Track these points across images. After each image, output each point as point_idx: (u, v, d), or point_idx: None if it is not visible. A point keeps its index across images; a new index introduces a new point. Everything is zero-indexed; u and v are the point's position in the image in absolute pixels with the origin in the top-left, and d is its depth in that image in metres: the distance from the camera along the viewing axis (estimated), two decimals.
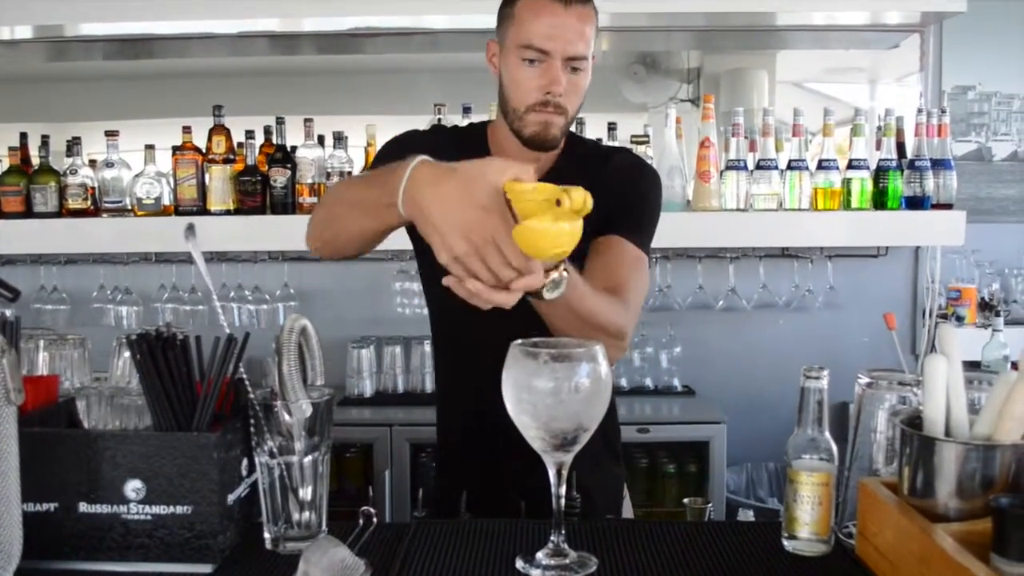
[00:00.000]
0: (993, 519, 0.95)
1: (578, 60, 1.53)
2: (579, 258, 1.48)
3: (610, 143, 2.92)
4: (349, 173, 2.97)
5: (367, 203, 1.28)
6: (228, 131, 2.98)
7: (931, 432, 1.08)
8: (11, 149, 3.11)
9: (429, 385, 3.25)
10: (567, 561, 1.19)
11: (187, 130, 2.98)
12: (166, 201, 3.03)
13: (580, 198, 1.03)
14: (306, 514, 1.26)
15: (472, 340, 1.50)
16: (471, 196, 1.10)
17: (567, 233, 1.06)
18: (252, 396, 1.24)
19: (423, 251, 1.63)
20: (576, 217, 1.05)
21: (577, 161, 1.67)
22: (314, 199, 2.95)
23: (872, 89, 3.45)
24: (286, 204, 2.96)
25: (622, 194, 1.62)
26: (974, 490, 1.03)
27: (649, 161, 2.89)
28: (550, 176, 1.63)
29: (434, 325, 1.79)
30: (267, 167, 2.97)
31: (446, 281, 1.15)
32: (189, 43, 3.28)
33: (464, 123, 2.94)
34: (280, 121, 2.98)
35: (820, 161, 2.92)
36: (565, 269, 1.24)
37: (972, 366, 1.13)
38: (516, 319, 1.34)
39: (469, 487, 1.61)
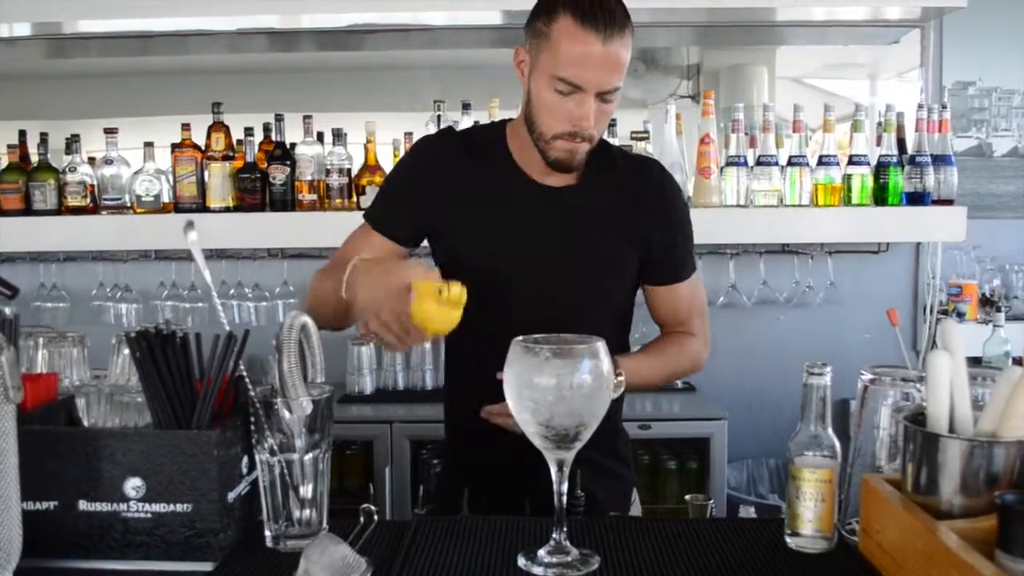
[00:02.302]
0: (998, 516, 0.94)
1: (612, 92, 1.52)
2: (625, 293, 1.72)
3: (610, 140, 2.91)
4: (349, 171, 2.96)
5: (326, 294, 1.57)
6: (227, 128, 2.97)
7: (935, 428, 1.08)
8: (10, 147, 3.10)
9: (430, 382, 3.25)
10: (569, 558, 1.18)
11: (186, 127, 2.98)
12: (165, 198, 3.02)
13: (457, 293, 1.35)
14: (307, 512, 1.26)
15: (484, 339, 1.50)
16: (385, 286, 1.39)
17: (448, 316, 1.36)
18: (252, 393, 1.23)
19: (438, 256, 1.72)
20: (456, 306, 1.36)
21: (608, 177, 1.68)
22: (313, 196, 2.95)
23: (872, 85, 3.44)
24: (285, 201, 2.96)
25: (671, 242, 1.72)
26: (978, 487, 1.03)
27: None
28: (580, 184, 1.67)
29: (451, 341, 1.79)
30: (266, 164, 2.97)
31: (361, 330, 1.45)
32: (188, 40, 3.27)
33: (464, 120, 2.95)
34: (279, 118, 2.98)
35: (820, 157, 2.92)
36: (619, 373, 1.52)
37: (973, 362, 1.12)
38: (531, 317, 1.43)
39: (477, 484, 1.62)
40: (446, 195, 1.67)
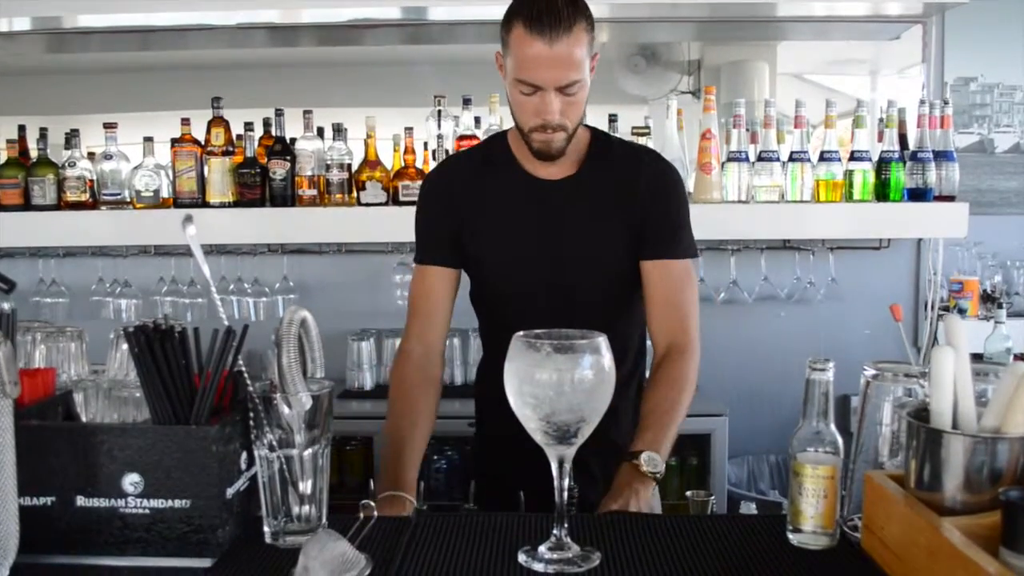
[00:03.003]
0: (1003, 512, 0.94)
1: (571, 86, 1.62)
2: (630, 276, 1.78)
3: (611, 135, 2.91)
4: (349, 166, 2.95)
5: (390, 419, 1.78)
6: (227, 123, 2.96)
7: (938, 424, 1.07)
8: (9, 142, 3.10)
9: None
10: (569, 555, 1.18)
11: (186, 122, 2.97)
12: (165, 194, 3.01)
13: None
14: (306, 508, 1.25)
15: (509, 333, 1.53)
16: None
17: None
18: (251, 389, 1.23)
19: (468, 266, 1.83)
20: None
21: (605, 165, 1.79)
22: (313, 191, 2.94)
23: (874, 81, 3.43)
24: (285, 196, 2.95)
25: (663, 216, 1.78)
26: (982, 483, 1.02)
27: None
28: (579, 174, 1.78)
29: (482, 323, 1.91)
30: (266, 159, 2.96)
31: None
32: (187, 35, 3.26)
33: (464, 115, 2.95)
34: (279, 113, 2.97)
35: (822, 153, 2.90)
36: (656, 474, 1.54)
37: (974, 358, 1.11)
38: (550, 307, 1.57)
39: (516, 483, 1.65)
40: (465, 205, 1.80)
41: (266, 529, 1.26)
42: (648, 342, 1.91)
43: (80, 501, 1.18)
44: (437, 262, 1.81)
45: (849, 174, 2.90)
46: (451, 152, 2.88)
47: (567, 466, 1.20)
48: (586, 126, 1.80)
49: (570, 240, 1.75)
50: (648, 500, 1.54)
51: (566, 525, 1.20)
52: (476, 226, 1.79)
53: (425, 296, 1.82)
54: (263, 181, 2.96)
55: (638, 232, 1.76)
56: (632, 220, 1.76)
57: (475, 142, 2.65)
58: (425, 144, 3.03)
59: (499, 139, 1.86)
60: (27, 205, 3.00)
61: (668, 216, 1.79)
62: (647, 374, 1.87)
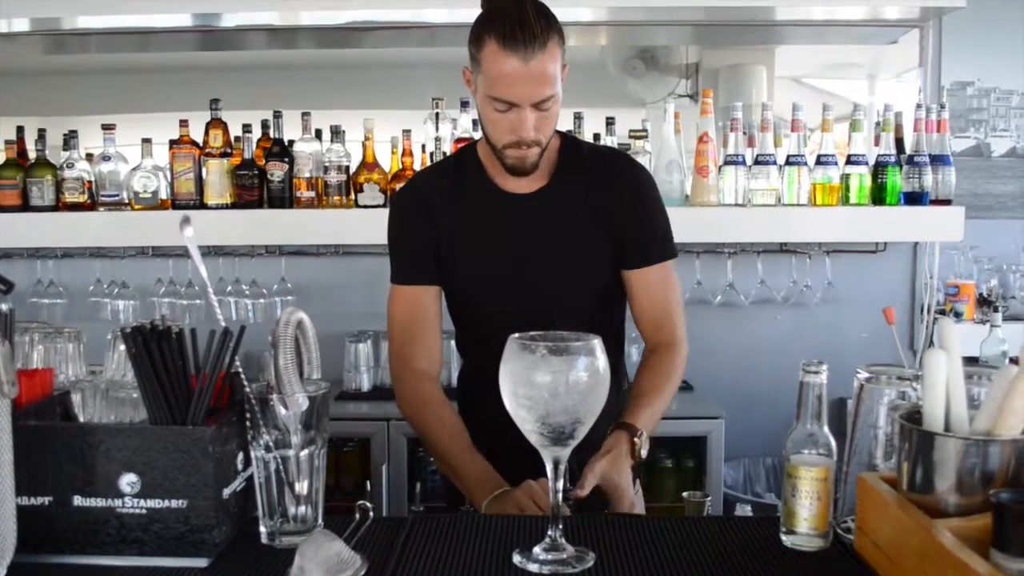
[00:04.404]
0: (994, 514, 0.94)
1: (546, 101, 1.60)
2: (607, 284, 1.79)
3: (608, 139, 2.92)
4: (347, 168, 2.96)
5: (434, 443, 1.73)
6: (225, 125, 2.97)
7: (931, 427, 1.08)
8: (7, 143, 3.09)
9: None
10: (564, 556, 1.18)
11: (184, 124, 2.97)
12: (163, 195, 3.01)
13: None
14: (302, 508, 1.26)
15: (483, 346, 1.54)
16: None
17: None
18: (248, 390, 1.23)
19: (443, 280, 1.80)
20: None
21: (576, 175, 1.77)
22: (311, 193, 2.94)
23: (871, 85, 3.44)
24: (283, 198, 2.95)
25: (641, 223, 1.78)
26: (974, 485, 1.03)
27: (647, 156, 2.90)
28: (550, 185, 1.77)
29: (459, 333, 1.91)
30: (264, 161, 2.96)
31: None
32: (186, 36, 3.27)
33: (462, 118, 2.95)
34: (277, 115, 2.97)
35: (819, 156, 2.91)
36: (639, 450, 1.58)
37: (970, 362, 1.12)
38: (523, 319, 1.47)
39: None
40: (440, 221, 1.78)
41: (262, 529, 1.26)
42: (631, 344, 1.92)
43: (77, 501, 1.18)
44: (425, 281, 1.80)
45: (846, 178, 2.91)
46: (448, 154, 2.88)
47: (562, 467, 1.21)
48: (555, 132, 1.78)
49: (545, 253, 1.75)
50: (628, 459, 1.58)
51: (561, 526, 1.21)
52: (452, 242, 1.78)
53: (422, 317, 1.80)
54: (261, 183, 2.96)
55: (615, 240, 1.76)
56: (608, 228, 1.76)
57: None
58: (423, 146, 3.03)
59: (469, 152, 1.83)
60: (25, 206, 3.00)
61: (646, 222, 1.79)
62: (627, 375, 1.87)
